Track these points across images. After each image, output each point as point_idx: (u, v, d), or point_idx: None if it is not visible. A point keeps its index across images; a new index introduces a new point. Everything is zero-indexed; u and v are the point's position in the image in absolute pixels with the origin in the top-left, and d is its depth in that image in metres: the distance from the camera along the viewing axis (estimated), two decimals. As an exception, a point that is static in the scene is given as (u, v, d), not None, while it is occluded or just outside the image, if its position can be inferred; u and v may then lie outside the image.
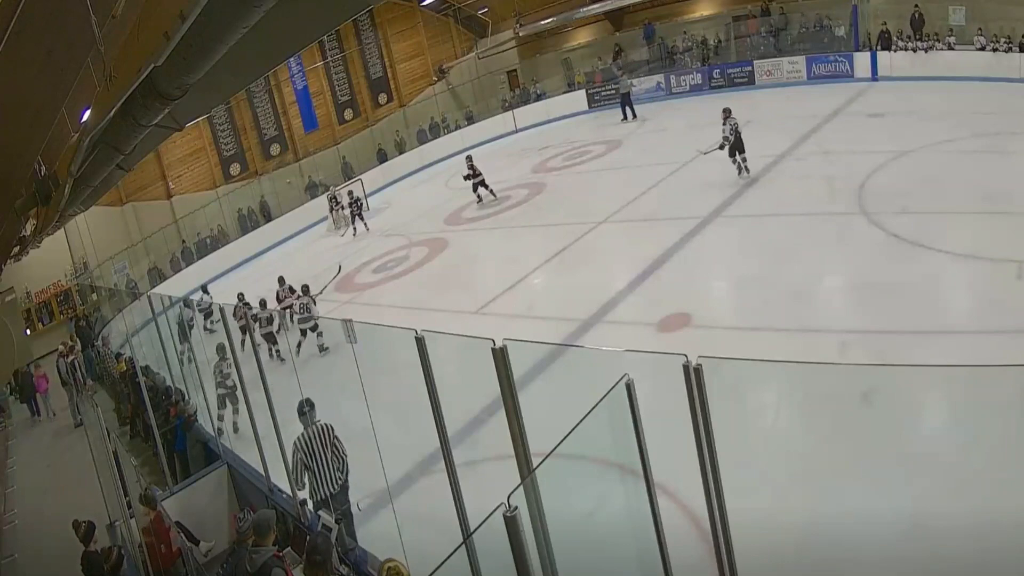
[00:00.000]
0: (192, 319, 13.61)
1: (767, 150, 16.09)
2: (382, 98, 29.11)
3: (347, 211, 21.30)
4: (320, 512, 6.63)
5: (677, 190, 15.70)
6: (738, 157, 15.23)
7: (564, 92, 28.63)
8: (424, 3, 29.21)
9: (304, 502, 6.91)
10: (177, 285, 20.32)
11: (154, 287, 20.61)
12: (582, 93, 27.78)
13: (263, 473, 7.67)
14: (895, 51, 20.72)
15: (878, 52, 21.17)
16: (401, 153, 27.50)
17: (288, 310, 12.88)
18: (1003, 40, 18.38)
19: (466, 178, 19.34)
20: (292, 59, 24.55)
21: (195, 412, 9.95)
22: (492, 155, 25.65)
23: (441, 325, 6.85)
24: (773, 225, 12.44)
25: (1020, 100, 16.11)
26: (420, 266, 15.63)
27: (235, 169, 25.30)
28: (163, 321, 11.18)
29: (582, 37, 30.46)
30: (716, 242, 12.51)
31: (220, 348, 10.52)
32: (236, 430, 10.09)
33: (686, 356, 3.21)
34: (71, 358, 16.49)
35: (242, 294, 14.42)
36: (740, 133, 15.31)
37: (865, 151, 14.47)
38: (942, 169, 12.76)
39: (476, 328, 7.51)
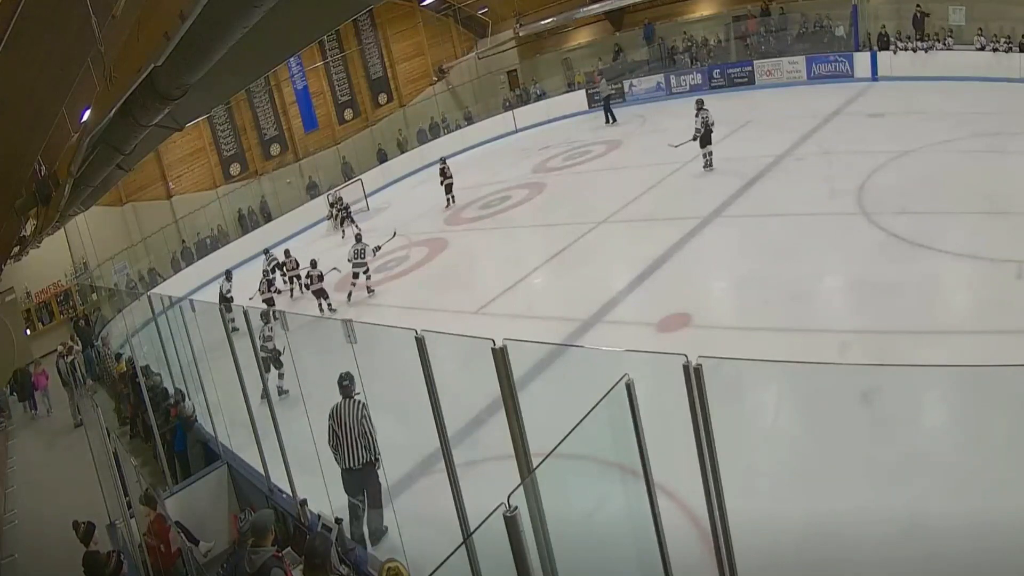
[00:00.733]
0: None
1: (767, 150, 16.12)
2: (382, 98, 29.10)
3: (335, 218, 21.27)
4: (320, 512, 6.64)
5: (677, 190, 15.73)
6: (704, 150, 16.05)
7: (564, 92, 28.69)
8: (424, 3, 29.21)
9: (304, 502, 6.92)
10: (177, 285, 20.32)
11: (154, 287, 20.61)
12: (582, 93, 27.88)
13: (263, 473, 7.67)
14: (895, 51, 20.74)
15: (878, 52, 21.19)
16: (403, 153, 27.51)
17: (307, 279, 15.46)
18: (1003, 40, 18.39)
19: (443, 182, 20.30)
20: (292, 59, 24.55)
21: (194, 413, 9.94)
22: (492, 155, 25.70)
23: (441, 325, 6.86)
24: (773, 225, 12.44)
25: (1020, 100, 16.11)
26: (420, 266, 15.63)
27: (235, 169, 25.28)
28: (163, 321, 11.18)
29: (582, 37, 30.47)
30: (716, 242, 12.52)
31: (264, 314, 11.25)
32: (280, 394, 10.47)
33: (686, 356, 3.21)
34: (71, 358, 16.50)
35: (288, 251, 16.84)
36: (711, 126, 16.03)
37: (865, 151, 14.48)
38: (942, 169, 12.77)
39: (476, 328, 7.47)
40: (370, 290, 14.82)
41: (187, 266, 22.37)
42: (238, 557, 5.48)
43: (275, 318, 10.64)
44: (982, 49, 18.73)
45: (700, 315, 10.09)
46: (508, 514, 2.95)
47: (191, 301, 10.58)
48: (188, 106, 7.97)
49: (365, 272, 15.00)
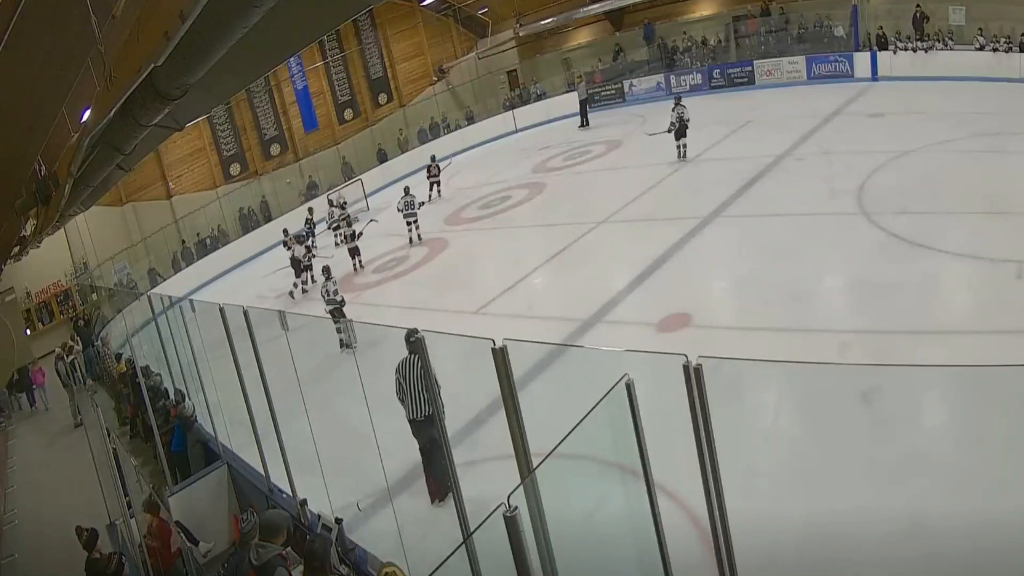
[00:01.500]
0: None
1: (767, 150, 16.13)
2: (382, 98, 29.11)
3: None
4: (320, 512, 6.64)
5: (677, 190, 15.74)
6: (678, 142, 17.33)
7: (564, 92, 28.60)
8: (424, 3, 29.22)
9: (304, 502, 6.92)
10: (177, 285, 20.33)
11: (154, 287, 20.61)
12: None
13: (263, 473, 7.67)
14: (895, 51, 20.75)
15: (878, 52, 21.20)
16: (404, 152, 27.51)
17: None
18: (1003, 40, 18.40)
19: (429, 177, 21.14)
20: (292, 59, 24.56)
21: (194, 413, 9.94)
22: (492, 155, 25.70)
23: (441, 325, 6.91)
24: (773, 225, 12.45)
25: (1020, 100, 16.12)
26: (420, 266, 15.64)
27: (235, 169, 25.29)
28: (163, 321, 11.18)
29: (582, 37, 30.49)
30: (716, 242, 12.52)
31: (325, 269, 13.24)
32: (343, 347, 11.54)
33: (686, 356, 3.21)
34: (70, 358, 16.52)
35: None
36: (685, 121, 17.27)
37: (865, 151, 14.48)
38: (942, 169, 12.77)
39: (476, 328, 7.53)
40: (419, 238, 17.45)
41: (187, 266, 22.38)
42: (239, 557, 5.47)
43: (331, 276, 12.76)
44: (982, 49, 18.74)
45: (700, 315, 10.10)
46: (508, 514, 2.95)
47: (191, 301, 10.58)
48: (188, 106, 7.97)
49: (415, 222, 17.49)
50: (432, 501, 7.37)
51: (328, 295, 12.39)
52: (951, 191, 11.68)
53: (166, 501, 7.53)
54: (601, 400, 3.37)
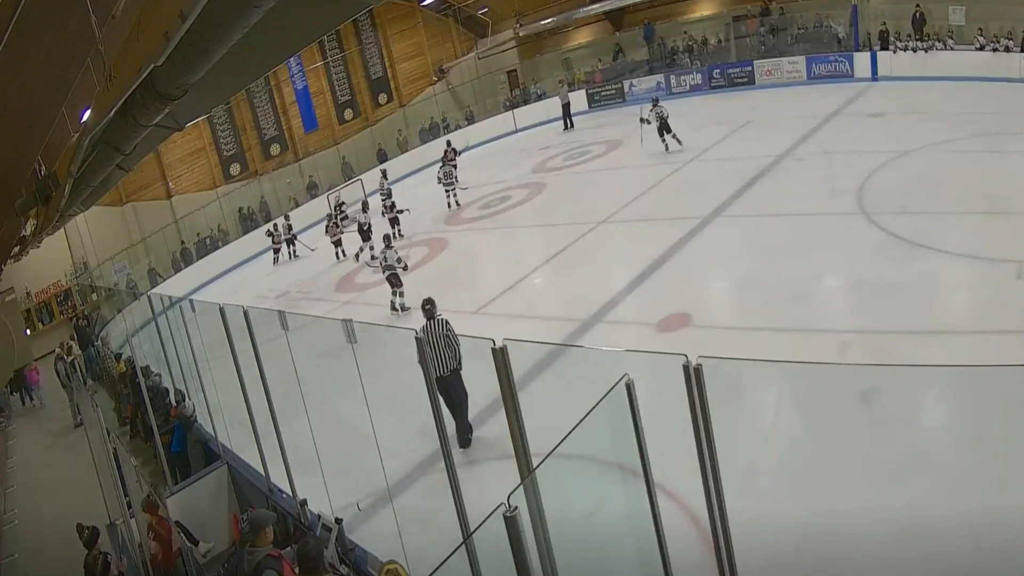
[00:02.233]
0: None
1: (767, 150, 16.12)
2: (382, 98, 29.10)
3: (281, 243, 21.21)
4: (320, 512, 6.64)
5: (677, 190, 15.73)
6: (665, 136, 18.42)
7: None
8: (424, 3, 29.23)
9: (304, 502, 6.92)
10: (177, 285, 20.33)
11: (154, 287, 20.62)
12: (582, 93, 27.80)
13: (263, 473, 7.67)
14: (895, 51, 20.75)
15: (878, 52, 21.21)
16: (404, 152, 27.50)
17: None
18: (1003, 40, 18.40)
19: (447, 162, 21.26)
20: (292, 59, 24.56)
21: (194, 413, 9.94)
22: (492, 155, 25.70)
23: None
24: (773, 225, 12.42)
25: (1020, 100, 16.11)
26: (420, 266, 15.60)
27: (235, 169, 25.30)
28: (163, 321, 11.18)
29: (582, 37, 30.45)
30: (716, 242, 12.49)
31: (386, 237, 14.26)
32: (403, 310, 13.01)
33: (686, 356, 3.22)
34: (70, 358, 16.54)
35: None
36: (665, 119, 18.37)
37: (865, 151, 14.46)
38: (942, 169, 12.76)
39: (476, 328, 7.82)
40: (457, 204, 19.48)
41: (187, 266, 22.39)
42: (238, 558, 5.48)
43: (390, 244, 13.68)
44: (982, 49, 18.74)
45: (700, 315, 10.08)
46: (508, 514, 2.96)
47: (191, 301, 10.57)
48: (188, 106, 7.98)
49: (453, 191, 19.48)
50: (460, 447, 8.03)
51: (386, 261, 13.38)
52: (951, 191, 11.67)
53: (164, 500, 7.53)
54: (601, 400, 3.37)
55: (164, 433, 10.04)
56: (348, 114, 28.17)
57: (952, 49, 19.59)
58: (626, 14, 28.81)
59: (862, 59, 21.55)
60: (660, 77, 26.36)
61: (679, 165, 16.88)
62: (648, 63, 27.43)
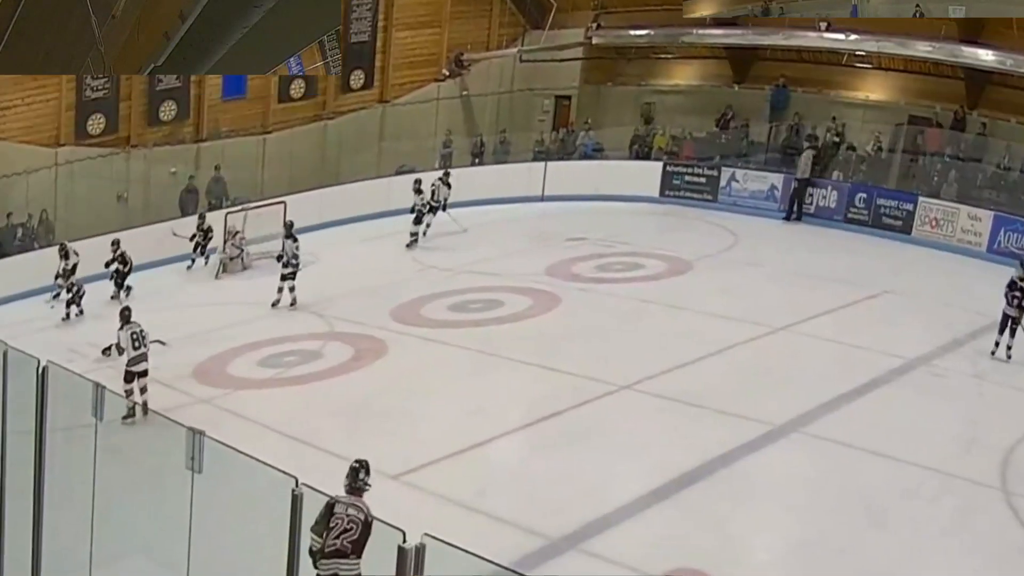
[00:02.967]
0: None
1: (897, 346, 12.14)
2: (356, 78, 19.90)
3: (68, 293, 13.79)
4: None
5: (754, 367, 11.85)
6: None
7: (629, 158, 20.36)
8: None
9: None
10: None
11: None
12: (657, 166, 19.86)
13: None
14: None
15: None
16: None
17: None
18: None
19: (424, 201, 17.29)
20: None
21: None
22: (496, 225, 18.63)
23: (339, 480, 5.32)
24: (870, 468, 9.17)
25: None
26: (335, 375, 11.38)
27: (96, 124, 16.61)
28: None
29: (681, 75, 22.09)
30: (779, 471, 9.24)
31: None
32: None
33: None
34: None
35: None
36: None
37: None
38: None
39: (391, 501, 5.95)
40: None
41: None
42: None
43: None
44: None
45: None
46: None
47: None
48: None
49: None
50: None
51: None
52: None
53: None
54: None
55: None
56: (296, 89, 19.12)
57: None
58: (758, 59, 20.61)
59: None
60: (779, 178, 18.83)
61: (766, 331, 12.98)
62: (767, 148, 19.72)
